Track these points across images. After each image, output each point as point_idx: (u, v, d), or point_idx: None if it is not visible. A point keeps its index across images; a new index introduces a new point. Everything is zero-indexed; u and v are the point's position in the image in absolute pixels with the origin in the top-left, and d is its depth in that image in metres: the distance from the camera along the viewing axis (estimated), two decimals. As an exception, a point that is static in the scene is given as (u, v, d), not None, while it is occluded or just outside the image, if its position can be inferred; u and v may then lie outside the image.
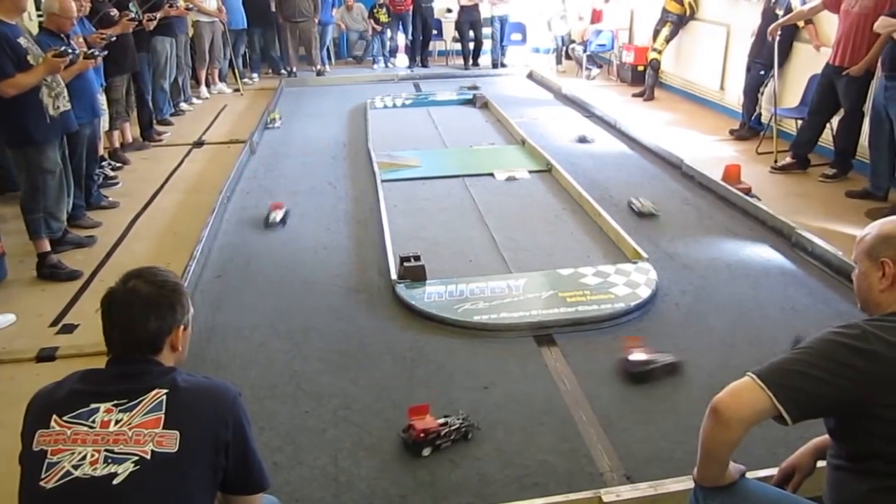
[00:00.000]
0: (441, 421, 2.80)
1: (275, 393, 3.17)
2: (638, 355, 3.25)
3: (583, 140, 7.15)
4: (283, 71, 11.24)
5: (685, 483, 2.30)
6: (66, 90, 4.45)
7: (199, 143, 7.54)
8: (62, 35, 4.72)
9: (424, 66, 11.85)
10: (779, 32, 6.35)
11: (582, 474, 2.64)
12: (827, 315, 3.67)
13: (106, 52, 5.39)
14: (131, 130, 7.23)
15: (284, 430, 2.91)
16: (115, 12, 6.24)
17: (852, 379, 1.53)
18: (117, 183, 6.20)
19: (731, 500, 1.74)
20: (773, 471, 2.02)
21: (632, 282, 3.99)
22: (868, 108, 5.60)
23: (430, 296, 3.90)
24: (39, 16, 4.97)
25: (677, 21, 8.87)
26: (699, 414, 1.65)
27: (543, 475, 2.64)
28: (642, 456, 2.73)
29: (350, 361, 3.42)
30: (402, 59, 12.26)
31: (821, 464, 1.85)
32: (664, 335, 3.60)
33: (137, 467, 1.48)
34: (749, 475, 1.85)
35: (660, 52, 9.08)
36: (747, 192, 5.38)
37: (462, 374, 3.28)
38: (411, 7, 11.52)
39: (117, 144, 6.81)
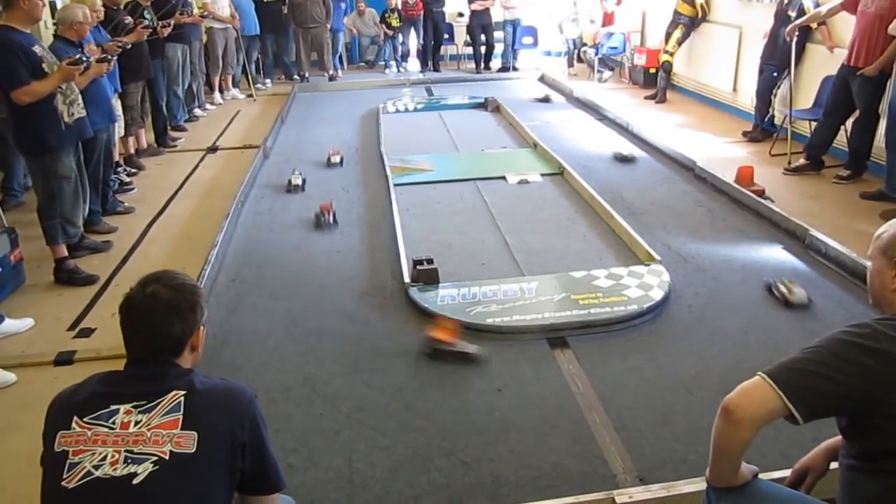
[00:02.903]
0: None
1: (289, 395, 3.20)
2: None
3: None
4: (295, 76, 11.31)
5: (698, 485, 2.29)
6: (80, 97, 4.51)
7: (213, 149, 7.60)
8: (77, 43, 4.78)
9: (436, 70, 11.89)
10: (796, 33, 6.34)
11: (595, 476, 2.65)
12: (841, 316, 3.65)
13: (116, 58, 5.44)
14: (146, 136, 7.30)
15: (299, 433, 2.94)
16: (129, 20, 6.30)
17: (863, 378, 1.53)
18: (133, 188, 6.27)
19: (743, 501, 1.75)
20: (787, 472, 2.02)
21: (644, 284, 4.00)
22: (883, 109, 5.57)
23: (443, 298, 3.92)
24: (54, 23, 5.02)
25: (689, 23, 8.85)
26: (712, 415, 1.66)
27: (557, 477, 2.65)
28: (655, 458, 2.73)
29: (363, 364, 3.44)
30: (413, 64, 12.29)
31: (834, 465, 1.85)
32: (677, 337, 3.60)
33: (156, 467, 1.51)
34: (762, 477, 1.85)
35: (672, 55, 9.06)
36: (760, 193, 5.37)
37: (475, 376, 3.30)
38: (422, 11, 11.55)
39: (132, 150, 6.87)
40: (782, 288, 3.87)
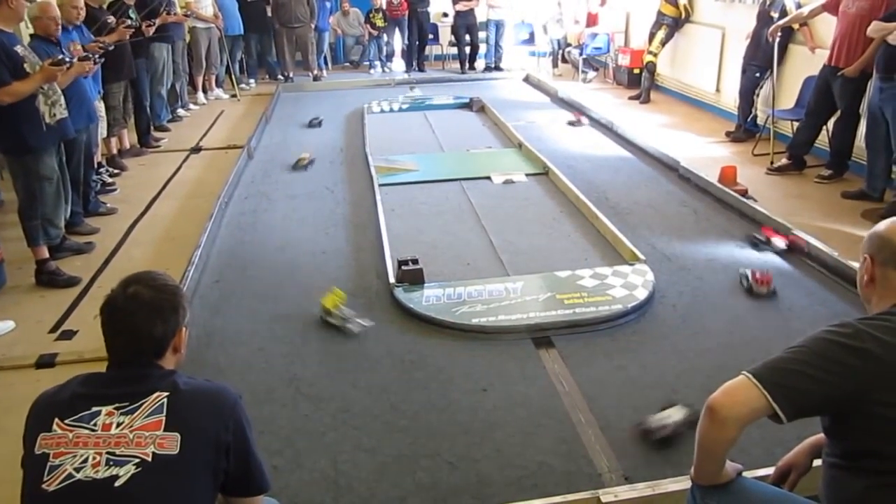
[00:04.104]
0: None
1: (274, 397, 3.18)
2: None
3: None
4: (279, 76, 11.26)
5: (683, 483, 2.31)
6: (62, 98, 4.47)
7: (196, 149, 7.55)
8: (54, 40, 4.73)
9: (421, 70, 11.89)
10: (779, 34, 6.38)
11: (580, 475, 2.66)
12: (824, 315, 3.68)
13: (103, 60, 5.41)
14: (129, 137, 7.24)
15: (284, 434, 2.92)
16: (112, 20, 6.25)
17: (846, 377, 1.54)
18: (115, 189, 6.22)
19: (728, 499, 1.76)
20: (771, 470, 2.03)
21: (629, 283, 4.01)
22: (864, 109, 5.63)
23: (429, 299, 3.91)
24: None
25: (672, 24, 8.89)
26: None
27: (542, 476, 2.66)
28: (640, 456, 2.74)
29: (349, 365, 3.43)
30: (398, 64, 12.29)
31: (817, 462, 1.86)
32: (661, 337, 3.61)
33: (139, 469, 1.50)
34: (747, 475, 1.86)
35: (655, 55, 9.10)
36: (744, 193, 5.40)
37: (461, 376, 3.30)
38: (407, 12, 11.55)
39: (115, 151, 6.82)
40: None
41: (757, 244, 4.56)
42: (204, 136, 8.11)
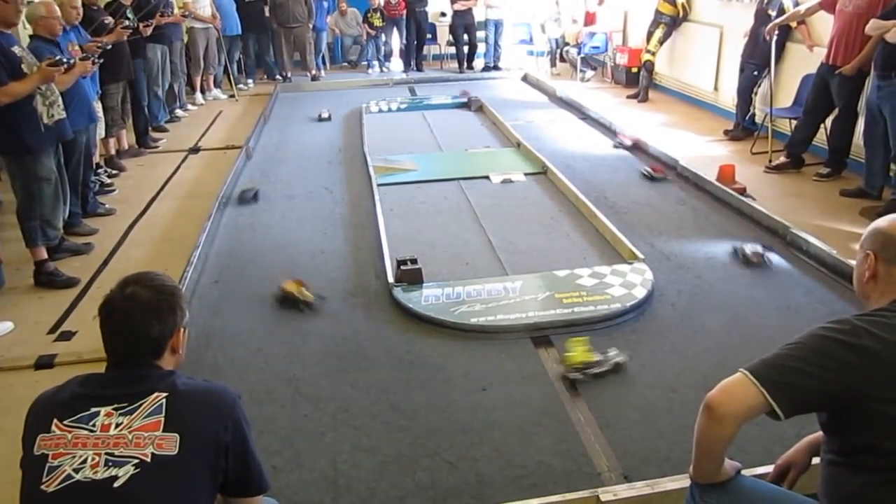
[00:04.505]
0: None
1: (273, 397, 3.18)
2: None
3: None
4: (277, 76, 11.26)
5: (682, 482, 2.30)
6: (60, 98, 4.46)
7: (194, 150, 7.55)
8: (54, 40, 4.72)
9: (419, 70, 11.89)
10: (776, 32, 6.39)
11: (580, 474, 2.66)
12: (822, 314, 3.68)
13: (102, 60, 5.41)
14: (127, 137, 7.24)
15: (283, 434, 2.92)
16: (110, 20, 6.24)
17: (844, 374, 1.54)
18: (113, 190, 6.22)
19: (726, 497, 1.76)
20: (769, 468, 2.03)
21: (628, 282, 4.01)
22: (862, 107, 5.63)
23: (427, 298, 3.91)
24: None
25: (670, 23, 8.89)
26: (695, 413, 1.66)
27: (541, 475, 2.66)
28: (639, 455, 2.74)
29: (348, 365, 3.43)
30: (396, 64, 12.28)
31: (816, 460, 1.86)
32: (660, 335, 3.61)
33: (138, 470, 1.50)
34: (745, 473, 1.86)
35: (653, 54, 9.11)
36: (742, 192, 5.41)
37: (460, 375, 3.30)
38: (405, 11, 11.55)
39: (113, 151, 6.82)
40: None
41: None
42: (202, 137, 8.11)
